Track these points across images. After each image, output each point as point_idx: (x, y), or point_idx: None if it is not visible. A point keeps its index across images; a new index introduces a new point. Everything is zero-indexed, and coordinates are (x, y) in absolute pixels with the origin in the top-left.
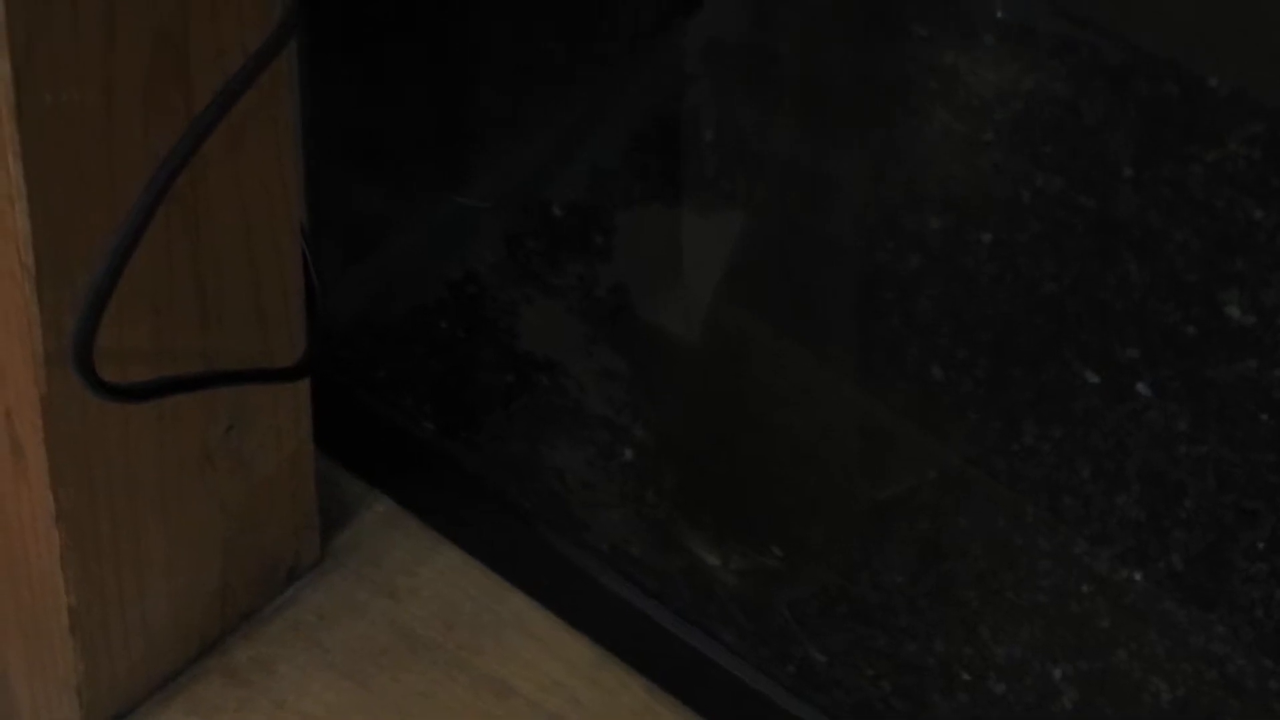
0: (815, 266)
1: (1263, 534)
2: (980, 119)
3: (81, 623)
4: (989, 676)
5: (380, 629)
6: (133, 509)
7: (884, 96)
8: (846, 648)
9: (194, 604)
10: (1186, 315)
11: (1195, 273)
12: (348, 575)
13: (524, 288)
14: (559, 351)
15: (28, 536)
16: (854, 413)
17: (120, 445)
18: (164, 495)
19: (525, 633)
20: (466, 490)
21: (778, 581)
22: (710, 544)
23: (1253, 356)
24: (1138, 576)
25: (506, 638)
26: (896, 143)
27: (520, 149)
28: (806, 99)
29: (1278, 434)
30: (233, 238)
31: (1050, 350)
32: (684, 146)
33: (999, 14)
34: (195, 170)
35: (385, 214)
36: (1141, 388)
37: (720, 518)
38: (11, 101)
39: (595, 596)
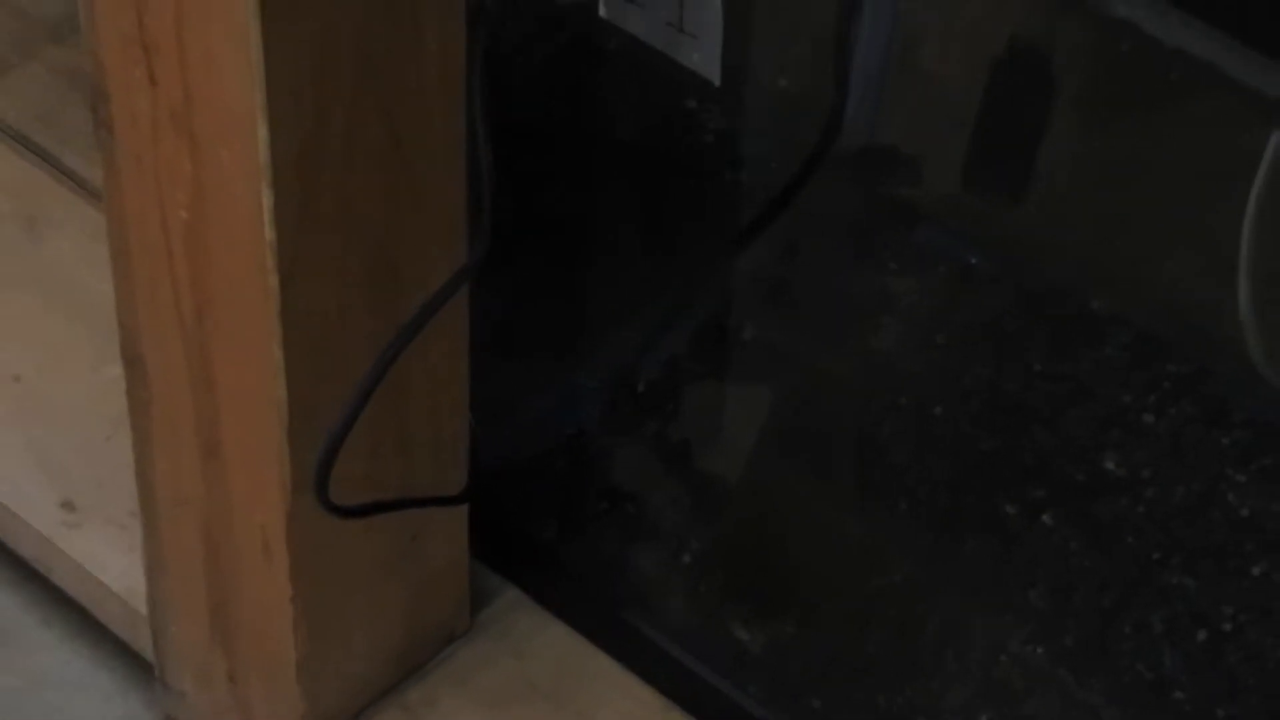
0: (821, 430)
1: (1128, 622)
2: (930, 329)
3: (305, 671)
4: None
5: (512, 679)
6: (344, 591)
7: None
8: (838, 697)
9: (382, 658)
10: (1078, 467)
11: (1084, 438)
12: (488, 641)
13: (617, 439)
14: (640, 486)
15: (272, 612)
16: (846, 531)
17: (339, 547)
18: (368, 582)
19: (610, 684)
20: (572, 582)
21: (792, 649)
22: (743, 622)
23: (1124, 497)
24: (1040, 650)
25: (598, 687)
26: (871, 345)
27: (617, 340)
28: (808, 310)
29: (1139, 551)
30: (423, 402)
31: (984, 490)
32: (729, 342)
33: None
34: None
35: (522, 386)
36: (1046, 518)
37: (752, 604)
38: (278, 304)
39: (661, 658)
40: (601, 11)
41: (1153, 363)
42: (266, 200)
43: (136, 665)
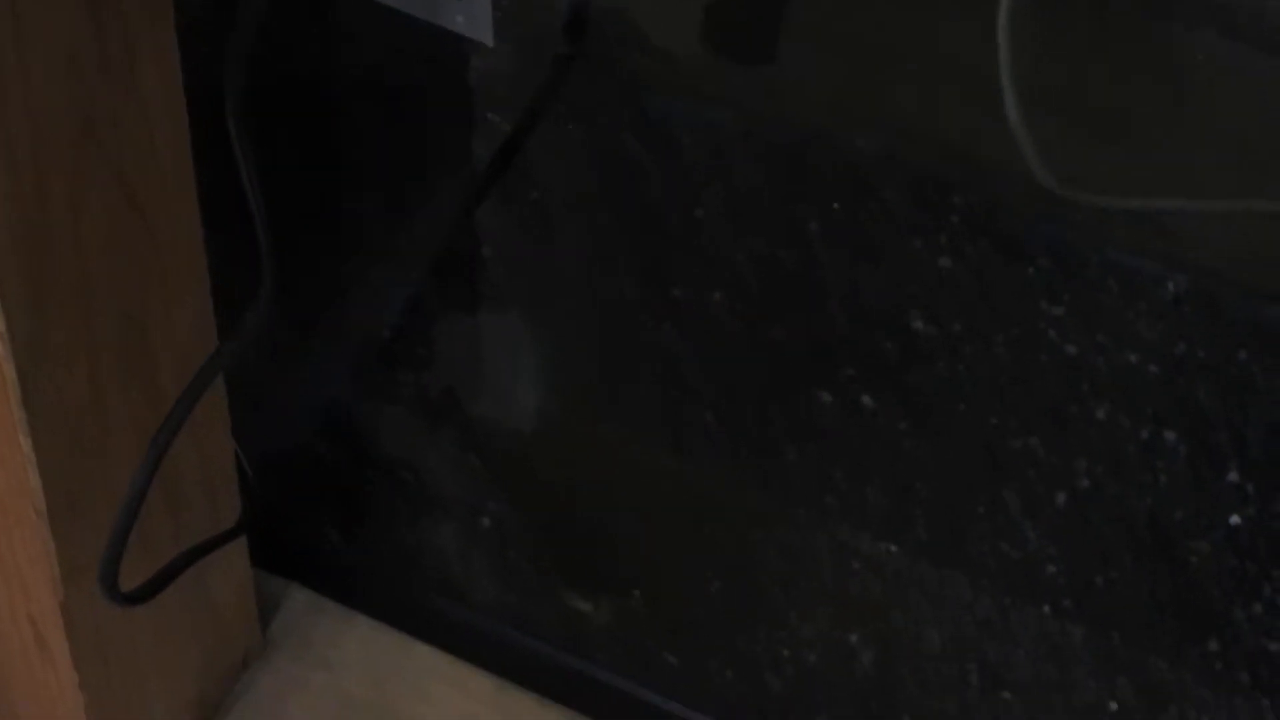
0: (594, 349)
1: (980, 502)
2: (693, 197)
3: None
4: (802, 651)
5: (325, 698)
6: (133, 659)
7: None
8: (693, 651)
9: (178, 707)
10: (884, 336)
11: (882, 300)
12: (289, 658)
13: (376, 404)
14: (413, 450)
15: (56, 703)
16: (655, 463)
17: (122, 620)
18: (157, 641)
19: (439, 678)
20: (366, 571)
21: (628, 605)
22: (568, 583)
23: (942, 359)
24: (894, 549)
25: (426, 686)
26: (626, 238)
27: (355, 298)
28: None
29: (973, 418)
30: (191, 460)
31: (791, 382)
32: (469, 269)
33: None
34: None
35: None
36: (866, 400)
37: (571, 559)
38: (19, 393)
39: (483, 639)
40: None
41: (935, 201)
42: None
43: None
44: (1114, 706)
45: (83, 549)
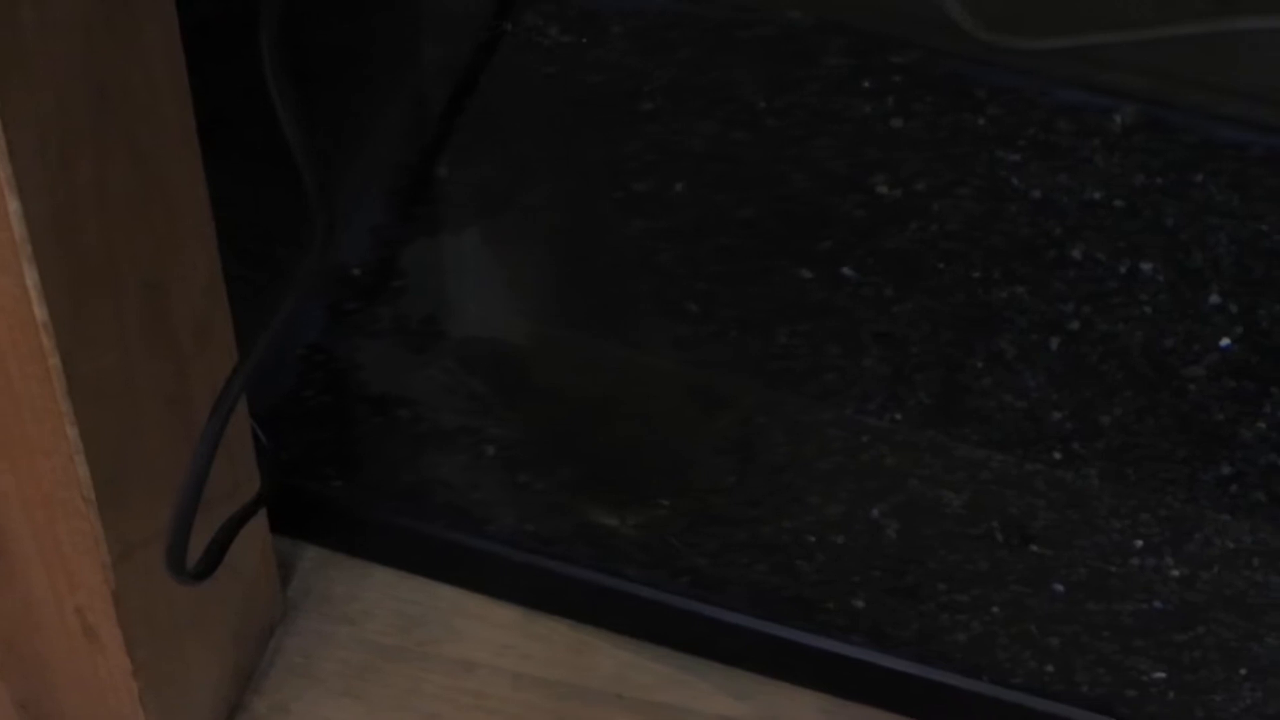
0: (569, 258)
1: (980, 356)
2: (637, 89)
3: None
4: (829, 534)
5: (354, 650)
6: (179, 643)
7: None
8: (721, 549)
9: (219, 680)
10: (851, 201)
11: (841, 166)
12: (312, 618)
13: (359, 343)
14: (405, 387)
15: (107, 694)
16: (653, 367)
17: (167, 603)
18: (198, 618)
19: (466, 615)
20: (375, 518)
21: (651, 516)
22: (579, 496)
23: (912, 219)
24: (899, 417)
25: (454, 624)
26: (574, 140)
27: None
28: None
29: (955, 275)
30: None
31: (768, 261)
32: (428, 190)
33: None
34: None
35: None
36: (847, 271)
37: (582, 474)
38: (64, 384)
39: (508, 570)
40: None
41: (876, 65)
42: (31, 278)
43: None
44: (1139, 544)
45: (130, 532)
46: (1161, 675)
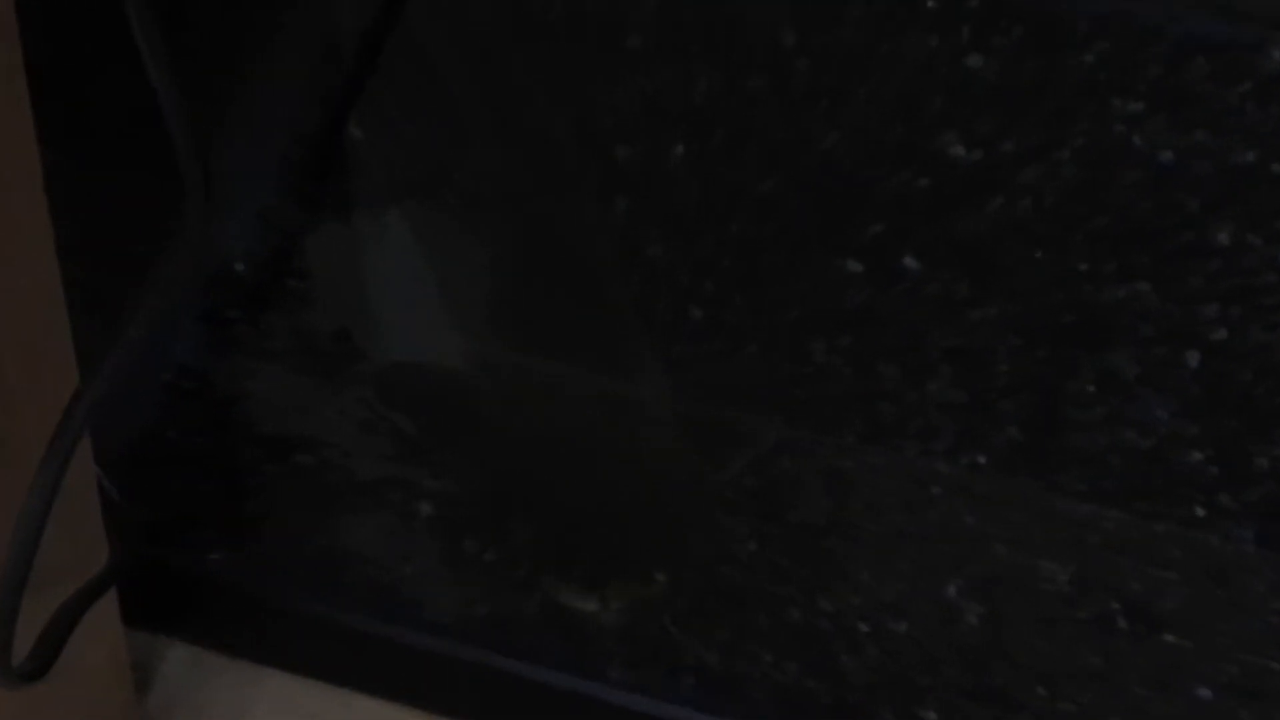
0: (538, 256)
1: (1088, 378)
2: (619, 25)
3: None
4: (886, 618)
5: None
6: None
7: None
8: (736, 641)
9: None
10: (915, 170)
11: (904, 127)
12: None
13: (242, 365)
14: (309, 423)
15: None
16: (649, 401)
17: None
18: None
19: None
20: (271, 604)
21: (651, 603)
22: (570, 582)
23: (995, 192)
24: (981, 460)
25: None
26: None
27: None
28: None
29: (1057, 265)
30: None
31: (802, 256)
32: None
33: None
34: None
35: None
36: (908, 261)
37: (538, 537)
38: None
39: (450, 673)
40: None
41: None
42: None
43: None
44: None
45: None
46: None
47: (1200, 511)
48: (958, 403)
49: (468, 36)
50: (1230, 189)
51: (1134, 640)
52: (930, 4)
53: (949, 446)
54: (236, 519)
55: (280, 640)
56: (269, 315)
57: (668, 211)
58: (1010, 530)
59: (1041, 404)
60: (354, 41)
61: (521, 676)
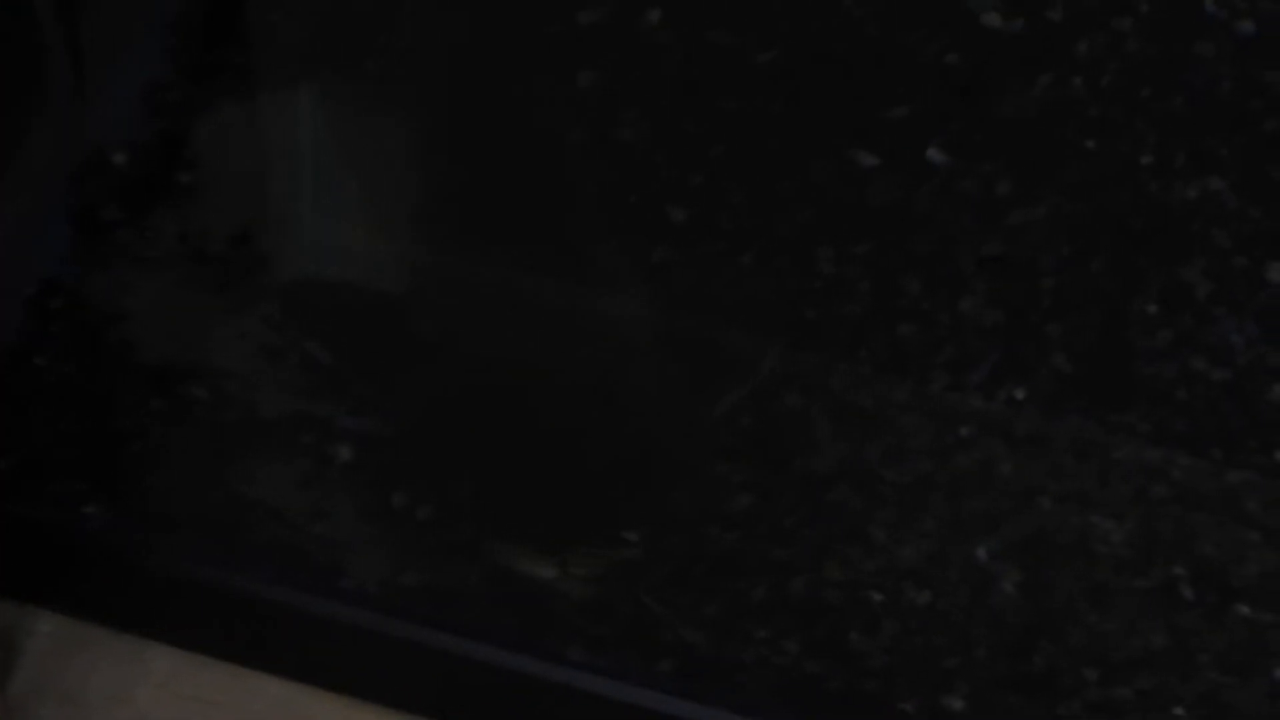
0: (486, 144)
1: (1151, 296)
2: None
3: None
4: (906, 587)
5: None
6: None
7: None
8: (726, 616)
9: None
10: (944, 43)
11: None
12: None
13: (121, 277)
14: (201, 346)
15: None
16: (617, 319)
17: None
18: None
19: None
20: (157, 570)
21: (623, 570)
22: (524, 544)
23: (1042, 69)
24: (1020, 394)
25: None
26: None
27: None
28: None
29: (1120, 166)
30: None
31: (807, 145)
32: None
33: None
34: None
35: None
36: (933, 153)
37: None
38: None
39: (377, 651)
40: None
41: None
42: None
43: None
44: None
45: None
46: None
47: None
48: (994, 325)
49: None
50: None
51: (1203, 613)
52: None
53: (984, 378)
54: (114, 466)
55: (169, 611)
56: (153, 216)
57: (642, 88)
58: (1056, 480)
59: (1096, 329)
60: None
61: (463, 657)
